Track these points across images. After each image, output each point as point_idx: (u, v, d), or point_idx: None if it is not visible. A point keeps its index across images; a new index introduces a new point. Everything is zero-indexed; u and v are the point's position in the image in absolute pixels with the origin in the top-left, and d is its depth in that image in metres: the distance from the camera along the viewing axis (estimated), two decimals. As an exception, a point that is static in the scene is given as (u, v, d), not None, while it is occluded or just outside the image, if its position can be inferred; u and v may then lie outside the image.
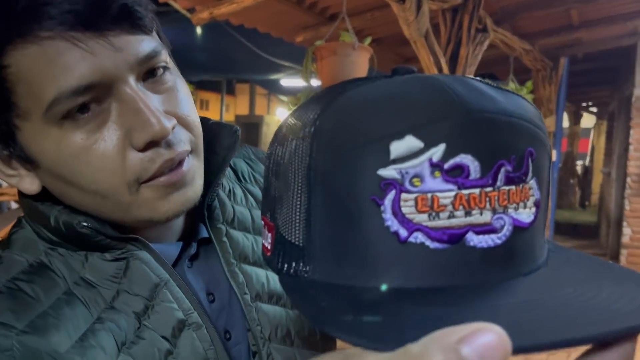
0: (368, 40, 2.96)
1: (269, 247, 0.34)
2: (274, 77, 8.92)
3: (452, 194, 0.27)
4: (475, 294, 0.27)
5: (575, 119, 10.18)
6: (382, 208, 0.27)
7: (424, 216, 0.27)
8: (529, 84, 4.26)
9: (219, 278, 0.55)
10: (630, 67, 5.02)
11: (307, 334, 0.59)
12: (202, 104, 19.62)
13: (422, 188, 0.27)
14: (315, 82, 3.30)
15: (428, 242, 0.27)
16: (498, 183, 0.28)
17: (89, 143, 0.43)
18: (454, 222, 0.27)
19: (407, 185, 0.27)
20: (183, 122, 0.48)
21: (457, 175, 0.27)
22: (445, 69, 3.41)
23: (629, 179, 4.97)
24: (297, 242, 0.31)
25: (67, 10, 0.40)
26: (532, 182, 0.30)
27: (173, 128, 0.45)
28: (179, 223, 0.56)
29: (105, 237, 0.47)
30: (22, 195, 0.50)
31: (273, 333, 0.56)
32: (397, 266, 0.28)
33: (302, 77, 3.23)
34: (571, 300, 0.27)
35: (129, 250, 0.49)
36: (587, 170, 10.71)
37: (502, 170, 0.28)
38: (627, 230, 4.99)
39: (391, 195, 0.27)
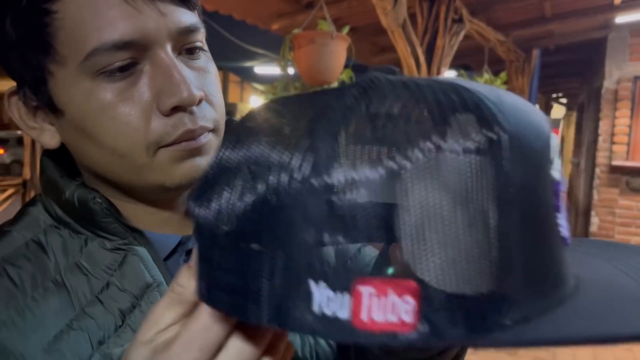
0: (346, 29, 2.94)
1: (409, 321, 0.22)
2: (247, 64, 8.82)
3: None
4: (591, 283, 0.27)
5: (546, 109, 10.37)
6: (559, 215, 0.26)
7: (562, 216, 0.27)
8: (502, 75, 4.30)
9: None
10: (601, 59, 5.12)
11: None
12: (174, 91, 19.19)
13: (561, 187, 0.27)
14: (292, 70, 3.27)
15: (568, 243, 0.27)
16: None
17: (118, 99, 0.43)
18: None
19: (562, 186, 0.26)
20: (210, 101, 0.48)
21: None
22: (422, 59, 3.41)
23: (597, 170, 5.09)
24: (485, 289, 0.22)
25: None
26: None
27: (200, 100, 0.45)
28: (180, 216, 0.54)
29: (113, 219, 0.47)
30: (42, 171, 0.51)
31: None
32: (566, 269, 0.26)
33: (278, 66, 3.19)
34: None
35: (130, 242, 0.48)
36: (557, 160, 10.91)
37: None
38: (594, 220, 5.12)
39: (560, 198, 0.26)
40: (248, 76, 11.90)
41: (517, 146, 0.23)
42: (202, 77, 0.47)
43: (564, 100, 10.67)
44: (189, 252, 0.53)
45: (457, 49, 3.82)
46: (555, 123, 11.36)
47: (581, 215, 6.01)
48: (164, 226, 0.53)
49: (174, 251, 0.52)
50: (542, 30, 4.58)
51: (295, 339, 0.54)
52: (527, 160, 0.24)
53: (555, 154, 0.26)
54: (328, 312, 0.23)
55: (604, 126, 5.03)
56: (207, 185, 0.27)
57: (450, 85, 0.24)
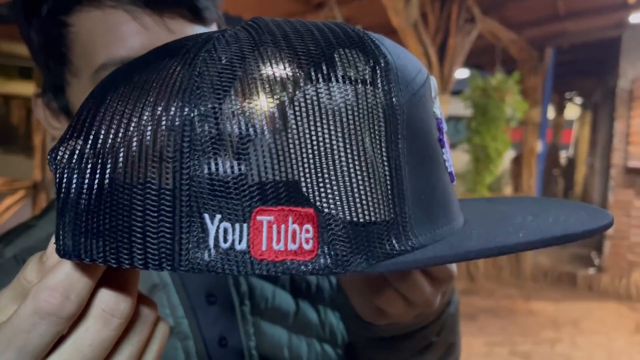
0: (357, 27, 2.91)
1: (308, 247, 0.23)
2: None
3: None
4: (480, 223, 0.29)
5: (560, 110, 10.26)
6: (444, 150, 0.27)
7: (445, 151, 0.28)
8: (515, 74, 4.24)
9: (223, 281, 0.53)
10: (615, 58, 5.04)
11: None
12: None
13: (444, 127, 0.29)
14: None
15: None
16: None
17: None
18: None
19: (442, 124, 0.28)
20: None
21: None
22: (434, 59, 3.37)
23: (612, 171, 5.01)
24: (381, 217, 0.23)
25: None
26: None
27: None
28: None
29: None
30: None
31: (270, 353, 0.52)
32: (453, 205, 0.28)
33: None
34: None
35: None
36: (571, 161, 10.81)
37: None
38: (610, 221, 5.03)
39: (444, 134, 0.27)
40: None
41: (401, 77, 0.24)
42: None
43: (578, 100, 10.54)
44: None
45: (469, 49, 3.78)
46: (568, 123, 11.24)
47: (596, 217, 5.92)
48: None
49: None
50: (555, 29, 4.52)
51: (300, 345, 0.53)
52: (411, 91, 0.25)
53: (435, 94, 0.28)
54: (225, 245, 0.22)
55: (619, 126, 4.95)
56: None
57: (334, 24, 0.26)
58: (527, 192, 5.13)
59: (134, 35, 0.43)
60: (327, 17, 2.95)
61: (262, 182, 0.22)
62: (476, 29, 3.76)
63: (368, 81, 0.23)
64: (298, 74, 0.23)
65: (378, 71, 0.24)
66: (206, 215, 0.22)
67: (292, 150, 0.22)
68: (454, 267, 0.39)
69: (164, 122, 0.22)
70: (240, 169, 0.22)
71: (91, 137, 0.23)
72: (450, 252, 0.24)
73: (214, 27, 0.49)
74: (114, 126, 0.23)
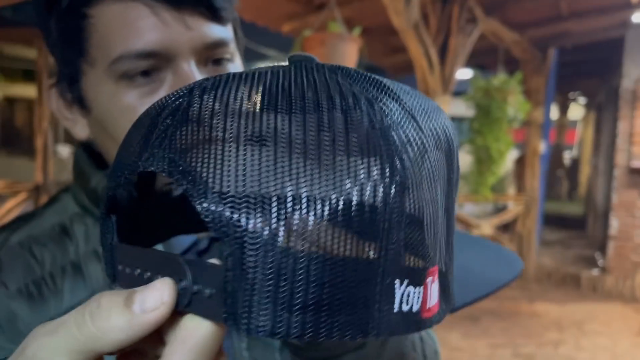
0: (357, 30, 2.90)
1: (437, 301, 0.24)
2: (258, 66, 8.84)
3: None
4: None
5: (563, 110, 10.22)
6: None
7: None
8: (518, 74, 4.23)
9: None
10: (619, 58, 5.01)
11: None
12: (189, 95, 19.40)
13: None
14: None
15: None
16: None
17: (137, 104, 0.45)
18: None
19: None
20: None
21: None
22: (435, 60, 3.35)
23: (616, 171, 4.98)
24: (444, 269, 0.25)
25: None
26: None
27: None
28: None
29: None
30: (75, 161, 0.54)
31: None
32: None
33: (289, 68, 3.16)
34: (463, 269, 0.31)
35: None
36: (575, 162, 10.77)
37: None
38: (614, 222, 5.01)
39: None
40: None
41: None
42: None
43: (582, 100, 10.50)
44: (200, 253, 0.53)
45: (471, 49, 3.76)
46: (572, 124, 11.19)
47: (600, 218, 5.89)
48: None
49: (187, 250, 0.53)
50: (558, 29, 4.50)
51: None
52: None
53: None
54: (406, 308, 0.22)
55: (622, 126, 4.92)
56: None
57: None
58: (531, 193, 5.11)
59: (152, 30, 0.44)
60: (328, 19, 2.94)
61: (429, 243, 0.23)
62: (478, 30, 3.75)
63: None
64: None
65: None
66: (397, 281, 0.22)
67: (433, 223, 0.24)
68: None
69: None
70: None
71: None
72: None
73: (229, 27, 0.50)
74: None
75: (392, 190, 0.21)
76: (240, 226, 0.20)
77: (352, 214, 0.21)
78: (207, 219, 0.20)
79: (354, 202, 0.21)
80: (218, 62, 0.49)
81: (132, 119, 0.42)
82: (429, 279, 0.23)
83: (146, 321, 0.21)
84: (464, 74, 5.41)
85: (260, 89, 0.23)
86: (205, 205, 0.20)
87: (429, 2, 3.26)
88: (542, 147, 5.14)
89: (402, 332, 0.22)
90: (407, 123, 0.23)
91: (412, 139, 0.23)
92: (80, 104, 0.50)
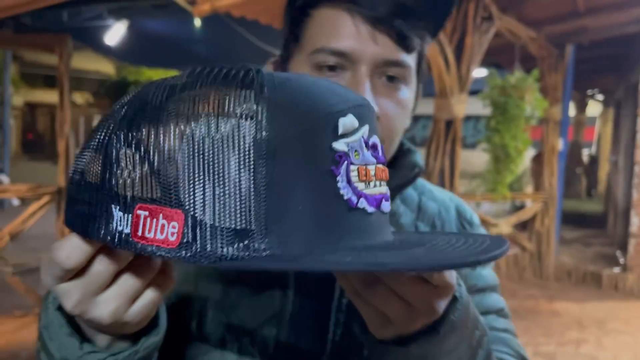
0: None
1: (173, 239, 0.31)
2: (275, 69, 8.86)
3: (374, 166, 0.34)
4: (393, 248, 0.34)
5: (581, 107, 10.10)
6: (338, 178, 0.31)
7: (363, 185, 0.33)
8: (535, 72, 4.20)
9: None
10: (637, 54, 4.95)
11: None
12: (204, 97, 19.48)
13: (361, 160, 0.33)
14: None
15: (367, 207, 0.33)
16: (383, 161, 0.36)
17: None
18: (376, 190, 0.34)
19: (352, 157, 0.32)
20: (380, 126, 0.53)
21: (375, 151, 0.34)
22: (451, 58, 3.35)
23: (636, 168, 4.92)
24: (241, 224, 0.30)
25: (372, 3, 0.55)
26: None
27: None
28: None
29: None
30: None
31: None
32: (349, 229, 0.32)
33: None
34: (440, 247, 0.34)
35: None
36: (593, 159, 10.63)
37: (382, 151, 0.36)
38: (635, 220, 4.94)
39: (344, 166, 0.32)
40: (276, 81, 11.96)
41: (279, 114, 0.31)
42: (389, 105, 0.58)
43: (600, 97, 10.37)
44: None
45: (487, 47, 3.75)
46: (590, 121, 11.05)
47: (621, 215, 5.82)
48: None
49: None
50: (575, 26, 4.46)
51: None
52: (292, 125, 0.31)
53: (349, 132, 0.32)
54: (119, 228, 0.32)
55: (642, 123, 4.86)
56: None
57: (245, 69, 0.33)
58: (549, 191, 5.07)
59: (348, 36, 0.55)
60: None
61: (145, 185, 0.32)
62: (494, 27, 3.73)
63: (248, 117, 0.31)
64: (200, 110, 0.32)
65: (260, 109, 0.31)
66: (112, 206, 0.33)
67: (174, 166, 0.31)
68: (450, 276, 0.39)
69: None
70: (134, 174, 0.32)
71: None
72: (293, 264, 0.30)
73: (412, 57, 0.58)
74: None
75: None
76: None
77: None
78: None
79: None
80: (392, 79, 0.58)
81: None
82: (142, 212, 0.32)
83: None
84: (479, 72, 5.39)
85: None
86: None
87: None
88: (560, 144, 5.09)
89: (121, 246, 0.32)
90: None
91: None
92: None
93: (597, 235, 6.97)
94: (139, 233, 0.31)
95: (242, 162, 0.30)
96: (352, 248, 0.32)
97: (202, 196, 0.30)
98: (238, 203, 0.30)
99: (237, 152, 0.30)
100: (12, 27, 5.83)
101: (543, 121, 4.87)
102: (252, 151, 0.30)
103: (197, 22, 5.89)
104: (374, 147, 0.34)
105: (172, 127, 0.32)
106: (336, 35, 0.56)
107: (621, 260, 5.20)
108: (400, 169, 0.63)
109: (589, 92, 9.85)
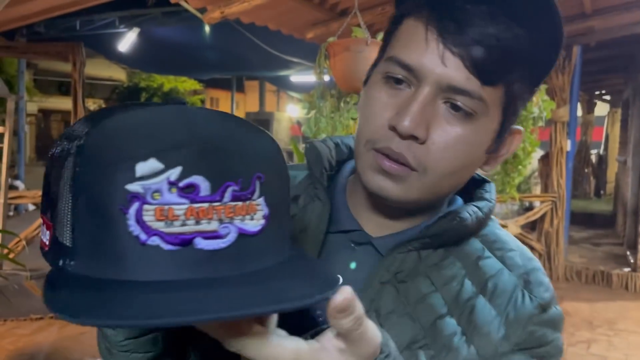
0: (381, 35, 2.95)
1: (47, 243, 0.38)
2: (283, 73, 8.92)
3: (185, 206, 0.34)
4: (189, 285, 0.35)
5: (589, 107, 10.07)
6: (127, 216, 0.34)
7: (161, 224, 0.34)
8: (542, 74, 4.22)
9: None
10: (645, 54, 4.95)
11: None
12: (212, 102, 19.65)
13: (160, 201, 0.34)
14: (327, 78, 3.31)
15: (162, 245, 0.34)
16: (225, 199, 0.35)
17: (384, 99, 0.54)
18: (185, 229, 0.34)
19: (148, 198, 0.34)
20: (431, 150, 0.53)
21: (190, 191, 0.34)
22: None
23: (645, 167, 4.92)
24: (66, 242, 0.36)
25: (453, 19, 0.50)
26: (259, 200, 0.37)
27: (408, 136, 0.52)
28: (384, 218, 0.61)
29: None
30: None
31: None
32: (139, 263, 0.34)
33: (314, 74, 3.24)
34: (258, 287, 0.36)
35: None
36: (602, 159, 10.59)
37: (229, 189, 0.36)
38: (644, 219, 4.94)
39: (135, 206, 0.34)
40: (284, 85, 12.02)
41: (94, 159, 0.35)
42: (442, 136, 0.52)
43: (607, 97, 10.34)
44: (359, 243, 0.61)
45: (493, 50, 3.77)
46: (598, 121, 11.01)
47: (630, 216, 5.81)
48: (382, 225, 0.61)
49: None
50: (582, 27, 4.48)
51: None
52: (98, 168, 0.35)
53: (148, 175, 0.34)
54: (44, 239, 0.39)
55: (650, 122, 4.86)
56: None
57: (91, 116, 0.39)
58: (558, 191, 5.08)
59: (418, 50, 0.52)
60: (350, 25, 3.01)
61: (51, 197, 0.38)
62: (500, 30, 3.75)
63: (71, 154, 0.36)
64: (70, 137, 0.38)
65: (76, 149, 0.36)
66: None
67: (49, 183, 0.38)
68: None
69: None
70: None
71: None
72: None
73: (493, 91, 0.52)
74: None
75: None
76: None
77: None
78: None
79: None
80: (456, 108, 0.52)
81: (374, 108, 0.55)
82: (42, 222, 0.39)
83: None
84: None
85: None
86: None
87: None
88: (568, 145, 5.11)
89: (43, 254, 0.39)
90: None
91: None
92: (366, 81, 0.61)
93: (606, 235, 6.95)
94: (42, 237, 0.40)
95: (63, 192, 0.36)
96: (128, 282, 0.34)
97: (55, 212, 0.37)
98: (63, 224, 0.36)
99: (62, 184, 0.36)
100: (26, 36, 5.93)
101: (551, 122, 4.88)
102: (67, 185, 0.36)
103: (207, 29, 5.95)
104: (188, 187, 0.34)
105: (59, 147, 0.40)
106: (407, 47, 0.53)
107: (631, 260, 5.20)
108: (444, 215, 0.58)
109: (596, 92, 9.82)
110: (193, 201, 0.34)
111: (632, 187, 5.80)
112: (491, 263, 0.58)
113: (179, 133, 0.36)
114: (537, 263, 0.60)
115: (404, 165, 0.53)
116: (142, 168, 0.34)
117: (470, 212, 0.57)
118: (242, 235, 0.36)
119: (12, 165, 6.82)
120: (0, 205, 3.51)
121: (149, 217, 0.34)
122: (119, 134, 0.36)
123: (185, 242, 0.34)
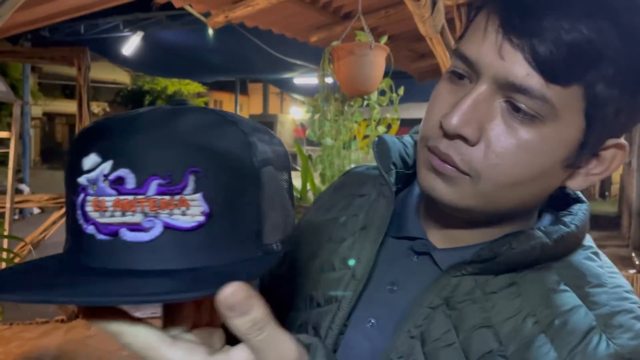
0: (384, 38, 2.96)
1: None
2: (287, 76, 8.94)
3: (113, 198, 0.36)
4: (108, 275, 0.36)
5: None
6: (76, 206, 0.37)
7: (97, 214, 0.36)
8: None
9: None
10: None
11: None
12: (216, 105, 19.71)
13: (96, 192, 0.36)
14: (330, 81, 3.32)
15: (96, 234, 0.36)
16: (149, 192, 0.35)
17: (445, 95, 0.50)
18: (112, 220, 0.36)
19: (89, 190, 0.36)
20: (480, 158, 0.47)
21: (119, 184, 0.36)
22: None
23: (650, 169, 4.91)
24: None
25: (515, 7, 0.44)
26: (195, 195, 0.36)
27: (455, 135, 0.47)
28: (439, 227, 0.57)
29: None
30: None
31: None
32: (80, 248, 0.37)
33: (318, 78, 3.24)
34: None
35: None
36: (606, 160, 10.52)
37: (154, 183, 0.36)
38: (649, 221, 4.93)
39: (81, 196, 0.37)
40: (287, 87, 12.04)
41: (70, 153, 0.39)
42: (499, 133, 0.46)
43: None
44: (421, 252, 0.57)
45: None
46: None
47: (635, 217, 5.80)
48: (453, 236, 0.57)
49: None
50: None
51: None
52: (66, 162, 0.39)
53: (92, 169, 0.36)
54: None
55: (655, 124, 4.84)
56: None
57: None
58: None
59: (477, 42, 0.46)
60: (354, 28, 3.01)
61: None
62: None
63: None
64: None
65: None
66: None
67: None
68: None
69: None
70: None
71: None
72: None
73: (564, 92, 0.43)
74: None
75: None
76: None
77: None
78: None
79: None
80: (516, 108, 0.45)
81: (432, 104, 0.52)
82: None
83: None
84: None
85: None
86: None
87: (454, 7, 3.30)
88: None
89: None
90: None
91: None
92: None
93: (611, 236, 6.93)
94: None
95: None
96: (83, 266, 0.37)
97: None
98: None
99: None
100: (31, 40, 5.97)
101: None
102: None
103: (211, 32, 5.97)
104: (117, 180, 0.36)
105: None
106: (468, 39, 0.48)
107: (637, 262, 5.18)
108: (497, 239, 0.51)
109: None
110: (120, 193, 0.36)
111: (637, 188, 5.78)
112: (565, 298, 0.48)
113: (121, 129, 0.38)
114: (631, 305, 0.48)
115: (455, 168, 0.48)
116: (86, 162, 0.37)
117: (529, 237, 0.48)
118: (171, 230, 0.36)
119: (18, 170, 6.85)
120: (7, 210, 3.51)
121: (89, 208, 0.36)
122: (87, 132, 0.39)
123: (112, 232, 0.36)
